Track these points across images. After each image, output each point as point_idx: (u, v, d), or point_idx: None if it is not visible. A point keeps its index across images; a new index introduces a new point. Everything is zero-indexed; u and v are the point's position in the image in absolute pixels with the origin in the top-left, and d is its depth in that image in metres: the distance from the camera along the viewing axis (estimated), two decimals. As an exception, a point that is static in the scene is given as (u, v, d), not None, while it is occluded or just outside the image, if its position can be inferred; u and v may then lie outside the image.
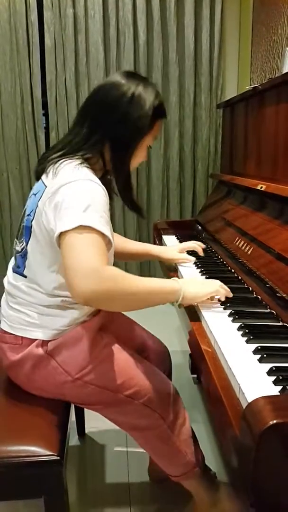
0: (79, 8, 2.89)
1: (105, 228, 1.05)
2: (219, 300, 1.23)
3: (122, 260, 2.39)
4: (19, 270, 1.22)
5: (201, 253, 1.67)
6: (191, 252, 1.68)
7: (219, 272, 1.52)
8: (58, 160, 1.16)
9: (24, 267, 1.20)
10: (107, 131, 1.18)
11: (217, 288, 1.21)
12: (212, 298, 1.23)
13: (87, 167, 1.16)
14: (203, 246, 1.71)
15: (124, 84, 1.17)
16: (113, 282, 1.04)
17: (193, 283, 1.24)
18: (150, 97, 1.18)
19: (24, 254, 1.20)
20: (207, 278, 1.43)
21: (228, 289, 1.23)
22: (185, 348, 2.51)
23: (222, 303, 1.23)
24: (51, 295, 1.17)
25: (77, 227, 1.02)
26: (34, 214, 1.16)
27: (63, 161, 1.15)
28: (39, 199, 1.15)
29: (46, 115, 3.07)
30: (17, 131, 3.03)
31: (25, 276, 1.20)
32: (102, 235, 1.05)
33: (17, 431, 1.13)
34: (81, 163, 1.15)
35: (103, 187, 1.13)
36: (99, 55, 2.94)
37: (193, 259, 1.61)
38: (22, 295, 1.20)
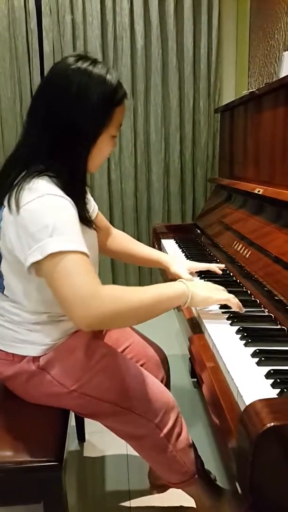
0: (77, 15, 2.90)
1: (77, 243, 0.99)
2: (224, 308, 1.20)
3: (129, 262, 2.30)
4: (0, 290, 1.18)
5: (219, 272, 1.50)
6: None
7: (218, 276, 1.52)
8: (11, 179, 1.06)
9: (3, 287, 1.16)
10: (56, 134, 1.07)
11: (230, 297, 1.17)
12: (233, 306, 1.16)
13: (47, 175, 1.05)
14: (222, 266, 1.53)
15: (69, 76, 1.05)
16: (114, 302, 1.00)
17: (203, 286, 1.19)
18: (98, 87, 1.05)
19: (0, 275, 1.15)
20: (206, 281, 1.43)
21: (240, 303, 1.17)
22: (185, 352, 2.51)
23: (221, 307, 1.23)
24: (35, 312, 1.15)
25: (49, 255, 0.96)
26: (1, 236, 1.09)
27: (18, 180, 1.05)
28: (1, 221, 1.08)
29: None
30: (16, 138, 3.02)
31: (7, 296, 1.17)
32: (79, 252, 0.98)
33: (16, 436, 1.12)
34: (38, 175, 1.05)
35: (66, 197, 1.04)
36: (98, 61, 2.95)
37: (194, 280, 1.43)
38: (8, 315, 1.18)
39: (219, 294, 1.18)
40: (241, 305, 1.17)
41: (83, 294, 0.96)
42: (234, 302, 1.16)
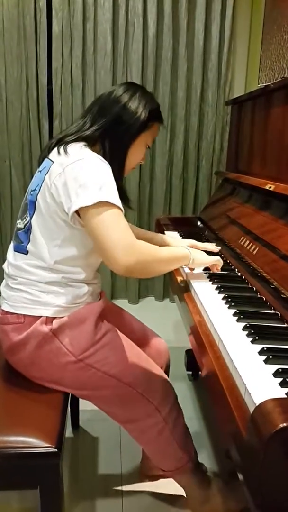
0: (89, -5, 2.85)
1: (119, 202, 1.14)
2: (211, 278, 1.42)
3: None
4: (21, 246, 1.25)
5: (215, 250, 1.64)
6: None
7: (223, 271, 1.50)
8: (66, 141, 1.24)
9: (28, 241, 1.23)
10: (107, 124, 1.27)
11: (218, 258, 1.42)
12: (213, 268, 1.43)
13: (91, 150, 1.22)
14: (218, 249, 1.66)
15: (120, 92, 1.29)
16: (146, 253, 1.17)
17: (199, 251, 1.41)
18: (143, 103, 1.29)
19: (28, 229, 1.24)
20: (209, 276, 1.45)
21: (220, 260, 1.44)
22: (181, 344, 2.51)
23: (226, 302, 1.23)
24: (52, 270, 1.21)
25: (97, 203, 1.10)
26: (40, 188, 1.21)
27: (71, 143, 1.23)
28: (46, 174, 1.21)
29: (50, 103, 3.03)
30: (21, 118, 2.99)
31: (27, 252, 1.23)
32: (120, 208, 1.13)
33: (15, 422, 1.12)
34: (86, 145, 1.23)
35: (108, 164, 1.20)
36: (107, 45, 2.90)
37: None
38: (23, 274, 1.23)
39: (210, 257, 1.42)
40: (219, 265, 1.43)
41: (124, 242, 1.11)
42: (221, 262, 1.43)
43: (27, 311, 1.21)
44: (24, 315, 1.21)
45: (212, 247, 1.63)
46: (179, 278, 1.49)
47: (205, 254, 1.42)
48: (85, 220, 1.13)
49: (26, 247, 1.23)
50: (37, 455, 1.06)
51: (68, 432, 1.81)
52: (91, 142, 1.26)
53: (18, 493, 1.49)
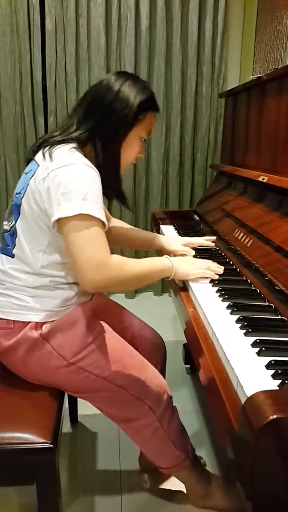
0: (81, -9, 2.83)
1: (102, 215, 1.10)
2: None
3: (124, 247, 2.37)
4: (8, 250, 1.22)
5: (212, 245, 1.64)
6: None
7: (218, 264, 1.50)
8: (53, 143, 1.18)
9: (14, 245, 1.20)
10: (96, 122, 1.21)
11: (205, 270, 1.34)
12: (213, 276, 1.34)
13: (81, 153, 1.17)
14: (213, 238, 1.66)
15: (111, 81, 1.23)
16: (119, 270, 1.12)
17: (185, 261, 1.35)
18: (135, 92, 1.22)
19: (13, 233, 1.21)
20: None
21: (217, 269, 1.36)
22: (178, 338, 2.51)
23: (220, 295, 1.23)
24: (39, 274, 1.18)
25: (78, 215, 1.06)
26: (25, 192, 1.18)
27: (58, 145, 1.17)
28: (31, 178, 1.17)
29: (44, 99, 3.02)
30: (15, 115, 2.98)
31: (13, 256, 1.20)
32: (101, 222, 1.09)
33: (11, 418, 1.12)
34: (75, 148, 1.17)
35: (97, 171, 1.15)
36: (101, 40, 2.89)
37: (192, 252, 1.55)
38: (10, 280, 1.20)
39: (197, 269, 1.34)
40: (217, 271, 1.35)
41: (97, 260, 1.07)
42: (209, 274, 1.34)
43: (16, 317, 1.19)
44: (14, 321, 1.19)
45: (207, 242, 1.63)
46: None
47: (194, 263, 1.36)
48: (63, 230, 1.09)
49: (12, 250, 1.21)
50: (33, 451, 1.06)
51: (67, 427, 1.82)
52: (81, 142, 1.20)
53: (16, 489, 1.49)
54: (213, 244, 1.63)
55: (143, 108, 1.23)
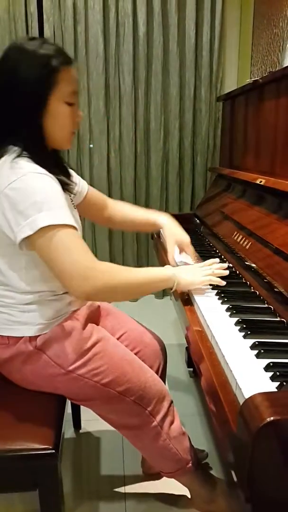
0: (79, -2, 2.85)
1: (66, 217, 1.03)
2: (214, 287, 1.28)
3: (129, 229, 2.26)
4: None
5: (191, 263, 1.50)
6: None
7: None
8: None
9: None
10: (7, 114, 1.09)
11: (209, 278, 1.25)
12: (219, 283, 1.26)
13: (25, 156, 1.07)
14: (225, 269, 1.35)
15: (7, 54, 1.08)
16: (109, 276, 1.09)
17: (188, 271, 1.27)
18: (34, 60, 1.05)
19: None
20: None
21: (221, 270, 1.28)
22: (181, 341, 2.52)
23: (220, 298, 1.23)
24: (26, 292, 1.15)
25: (40, 230, 1.00)
26: None
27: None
28: None
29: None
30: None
31: None
32: (69, 226, 1.04)
33: (12, 424, 1.12)
34: (17, 156, 1.07)
35: (49, 174, 1.07)
36: (99, 46, 2.91)
37: (191, 261, 1.50)
38: (0, 298, 1.18)
39: (200, 277, 1.25)
40: (221, 272, 1.28)
41: (81, 266, 1.03)
42: (215, 280, 1.25)
43: (9, 332, 1.17)
44: (8, 336, 1.17)
45: (190, 260, 1.52)
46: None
47: (197, 270, 1.27)
48: (36, 249, 1.04)
49: None
50: (35, 457, 1.06)
51: (70, 432, 1.82)
52: (16, 151, 1.08)
53: (20, 495, 1.50)
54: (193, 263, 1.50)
55: (50, 72, 1.07)
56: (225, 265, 1.32)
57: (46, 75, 1.06)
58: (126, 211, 1.59)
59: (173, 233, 1.52)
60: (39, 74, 1.06)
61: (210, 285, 1.29)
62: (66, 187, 1.19)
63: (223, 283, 1.26)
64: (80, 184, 1.44)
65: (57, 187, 1.08)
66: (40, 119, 1.10)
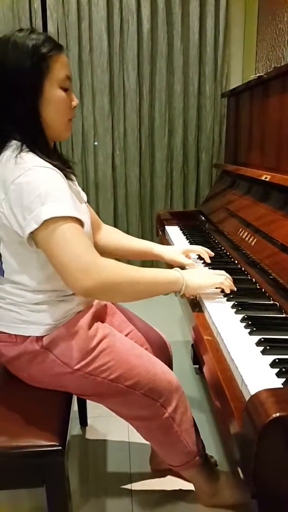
0: (82, -5, 2.85)
1: (70, 209, 1.03)
2: (222, 291, 1.23)
3: (122, 257, 2.31)
4: (1, 271, 1.20)
5: (207, 260, 1.50)
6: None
7: (223, 264, 1.51)
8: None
9: (3, 269, 1.18)
10: (8, 103, 1.10)
11: (222, 280, 1.21)
12: (225, 288, 1.21)
13: (28, 150, 1.09)
14: (211, 254, 1.51)
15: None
16: (112, 272, 1.06)
17: (197, 274, 1.25)
18: (23, 49, 1.06)
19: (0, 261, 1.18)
20: (210, 269, 1.42)
21: (232, 283, 1.23)
22: (187, 338, 2.52)
23: (225, 295, 1.23)
24: (37, 291, 1.16)
25: (44, 223, 1.00)
26: None
27: (2, 157, 1.09)
28: None
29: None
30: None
31: (8, 278, 1.19)
32: (72, 218, 1.03)
33: (19, 421, 1.13)
34: (21, 150, 1.08)
35: (52, 167, 1.08)
36: (103, 43, 2.90)
37: (194, 264, 1.45)
38: (9, 296, 1.19)
39: (212, 279, 1.22)
40: (233, 285, 1.22)
41: (82, 260, 1.01)
42: (226, 284, 1.21)
43: (17, 331, 1.17)
44: (16, 335, 1.17)
45: (204, 254, 1.50)
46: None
47: (207, 273, 1.25)
48: (38, 243, 1.04)
49: (3, 274, 1.18)
50: (41, 453, 1.07)
51: (77, 429, 1.83)
52: (12, 137, 1.10)
53: (27, 492, 1.50)
54: (208, 258, 1.50)
55: (41, 58, 1.07)
56: (233, 287, 1.24)
57: (38, 62, 1.07)
58: (119, 236, 1.53)
59: (175, 249, 1.49)
60: (31, 63, 1.06)
61: (226, 296, 1.23)
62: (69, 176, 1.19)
63: (234, 288, 1.22)
64: (81, 193, 1.38)
65: (61, 179, 1.08)
66: (38, 109, 1.10)
